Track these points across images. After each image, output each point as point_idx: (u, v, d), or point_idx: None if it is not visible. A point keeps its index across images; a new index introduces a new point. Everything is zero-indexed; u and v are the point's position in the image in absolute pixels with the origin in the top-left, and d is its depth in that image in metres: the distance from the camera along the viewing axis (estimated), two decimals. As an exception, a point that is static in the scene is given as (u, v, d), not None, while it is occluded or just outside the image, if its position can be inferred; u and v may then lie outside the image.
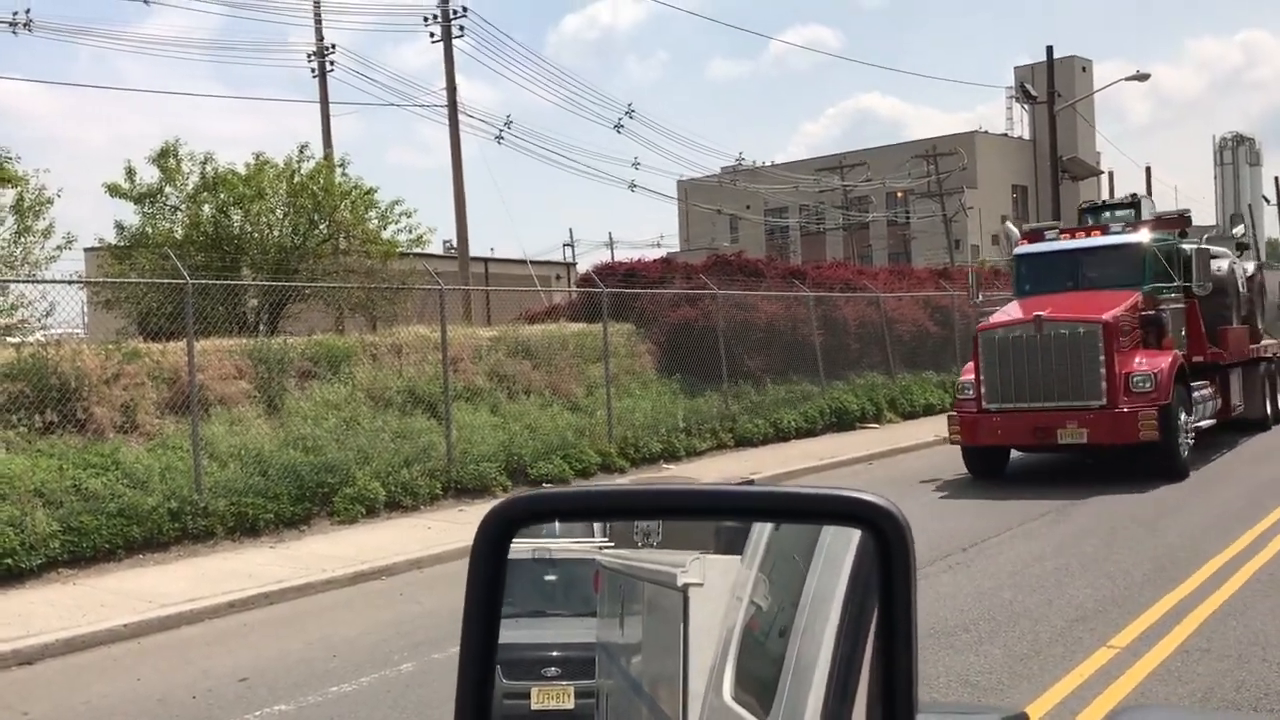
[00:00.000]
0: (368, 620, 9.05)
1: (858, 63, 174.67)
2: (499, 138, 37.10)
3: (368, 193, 22.13)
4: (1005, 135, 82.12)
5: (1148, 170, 75.45)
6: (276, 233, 20.87)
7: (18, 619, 8.94)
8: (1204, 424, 15.67)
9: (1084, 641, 7.04)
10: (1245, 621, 7.30)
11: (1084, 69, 75.57)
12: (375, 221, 22.26)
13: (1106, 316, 14.22)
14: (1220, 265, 17.51)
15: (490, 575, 1.41)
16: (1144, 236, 15.87)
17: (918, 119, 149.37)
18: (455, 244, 33.41)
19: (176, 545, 11.49)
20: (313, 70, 33.34)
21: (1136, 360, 14.33)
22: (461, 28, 31.01)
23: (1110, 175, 74.13)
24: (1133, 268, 15.49)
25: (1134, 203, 17.98)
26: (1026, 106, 63.77)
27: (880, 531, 1.31)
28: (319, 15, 33.73)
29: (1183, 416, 14.50)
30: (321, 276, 20.13)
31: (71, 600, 9.63)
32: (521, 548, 1.48)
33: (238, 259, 20.03)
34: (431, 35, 30.70)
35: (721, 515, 1.53)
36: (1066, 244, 16.31)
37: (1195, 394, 15.37)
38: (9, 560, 10.07)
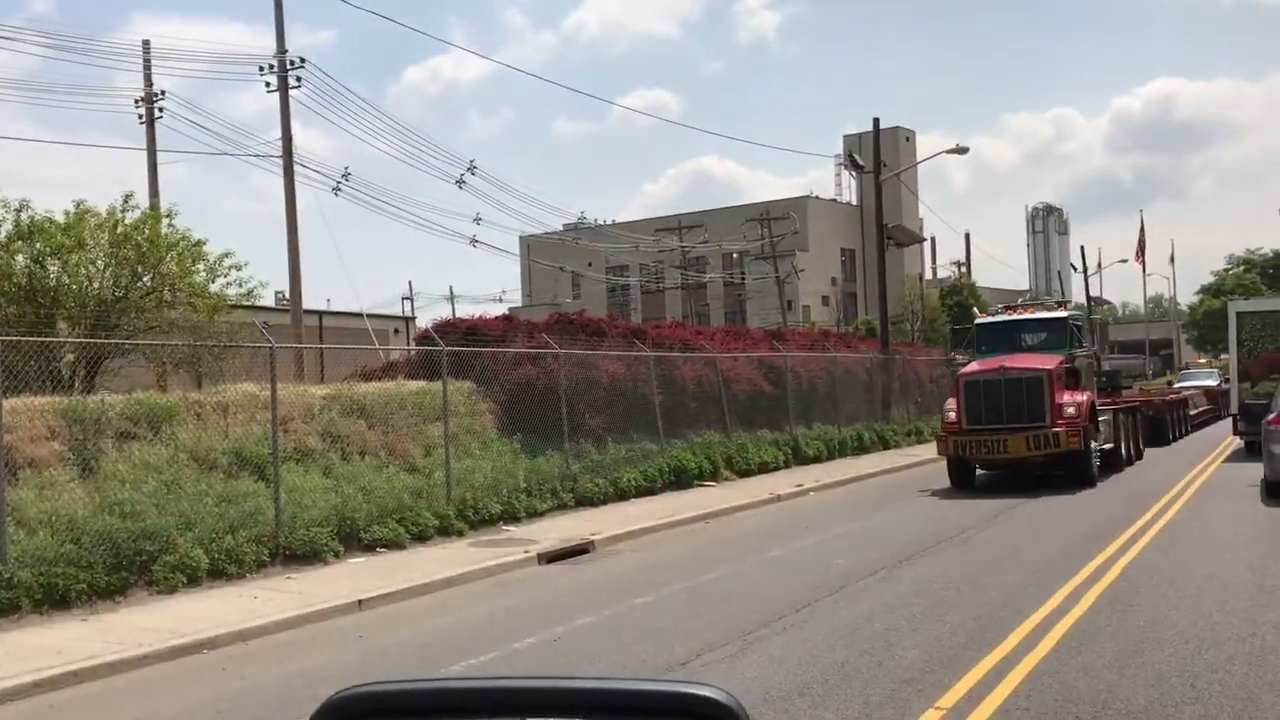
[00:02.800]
0: (187, 698, 8.59)
1: (696, 129, 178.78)
2: (336, 189, 36.20)
3: (196, 244, 21.36)
4: (835, 200, 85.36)
5: (967, 237, 79.25)
6: (97, 285, 19.91)
7: None
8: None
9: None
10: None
11: (908, 139, 79.37)
12: (203, 274, 21.50)
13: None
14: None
15: None
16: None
17: (754, 182, 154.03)
18: (289, 296, 32.55)
19: (-24, 620, 10.70)
20: (140, 116, 32.23)
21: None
22: (299, 78, 30.47)
23: (933, 241, 77.73)
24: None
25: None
26: (854, 174, 66.36)
27: None
28: (148, 60, 32.70)
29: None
30: (144, 331, 19.29)
31: None
32: None
33: (53, 312, 19.02)
34: (267, 85, 30.08)
35: (559, 713, 1.49)
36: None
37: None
38: None
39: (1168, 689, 7.26)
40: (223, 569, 13.01)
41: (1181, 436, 33.11)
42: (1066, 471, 20.71)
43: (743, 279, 70.67)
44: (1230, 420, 28.60)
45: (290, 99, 30.00)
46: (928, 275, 78.32)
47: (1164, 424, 31.00)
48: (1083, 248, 75.44)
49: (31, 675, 9.03)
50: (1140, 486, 20.49)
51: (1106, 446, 22.43)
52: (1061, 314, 23.39)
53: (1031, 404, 20.53)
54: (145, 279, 20.45)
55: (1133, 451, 25.38)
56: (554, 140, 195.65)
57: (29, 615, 11.06)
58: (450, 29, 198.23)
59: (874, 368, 34.88)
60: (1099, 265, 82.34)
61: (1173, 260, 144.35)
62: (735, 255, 71.42)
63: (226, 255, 21.84)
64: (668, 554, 15.10)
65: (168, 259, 20.60)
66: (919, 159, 57.71)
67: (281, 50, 29.96)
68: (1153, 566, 12.04)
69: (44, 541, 11.75)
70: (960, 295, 67.18)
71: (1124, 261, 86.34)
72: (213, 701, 8.38)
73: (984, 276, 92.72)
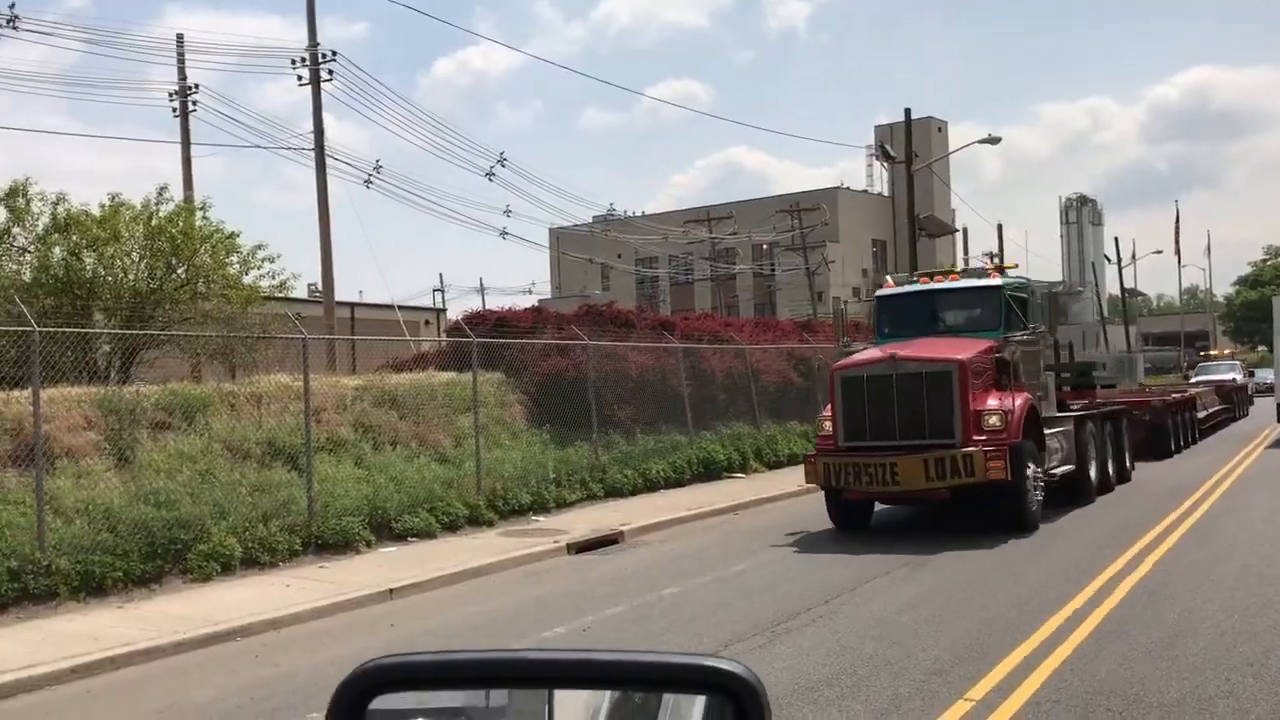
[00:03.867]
0: (222, 684, 8.70)
1: (726, 120, 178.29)
2: (368, 182, 36.31)
3: (229, 236, 21.54)
4: (866, 191, 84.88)
5: (999, 228, 78.70)
6: (131, 277, 20.11)
7: None
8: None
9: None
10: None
11: (940, 130, 78.84)
12: (237, 266, 21.67)
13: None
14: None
15: None
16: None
17: (784, 173, 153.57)
18: (321, 288, 32.76)
19: (15, 607, 10.87)
20: (174, 110, 32.49)
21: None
22: (330, 71, 30.61)
23: (965, 232, 77.22)
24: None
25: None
26: (886, 165, 66.09)
27: (736, 698, 1.32)
28: (182, 54, 32.94)
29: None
30: (178, 323, 19.48)
31: (-104, 669, 9.00)
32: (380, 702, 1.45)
33: (89, 304, 19.23)
34: (300, 78, 30.24)
35: (582, 684, 1.53)
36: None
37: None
38: None
39: (1201, 681, 7.20)
40: (256, 558, 13.15)
41: (1188, 445, 27.54)
42: (996, 510, 14.40)
43: (772, 270, 70.47)
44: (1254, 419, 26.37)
45: (322, 92, 30.19)
46: (959, 267, 77.82)
47: (1164, 431, 25.11)
48: (1116, 239, 74.84)
49: (69, 661, 9.18)
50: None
51: (1063, 470, 16.11)
52: (994, 281, 16.21)
53: (934, 411, 14.33)
54: (180, 271, 20.64)
55: (1114, 471, 19.05)
56: (583, 132, 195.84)
57: (67, 602, 11.22)
58: (480, 21, 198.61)
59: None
60: (1133, 256, 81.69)
61: (1209, 251, 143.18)
62: (765, 246, 71.21)
63: (260, 247, 22.01)
64: (696, 545, 15.12)
65: (202, 251, 20.77)
66: (951, 149, 57.30)
67: (313, 43, 30.11)
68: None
69: (81, 530, 11.92)
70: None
71: (1159, 252, 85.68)
72: (247, 688, 8.48)
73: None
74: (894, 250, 76.00)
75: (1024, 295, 16.57)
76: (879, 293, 17.45)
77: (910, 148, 37.53)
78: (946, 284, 16.73)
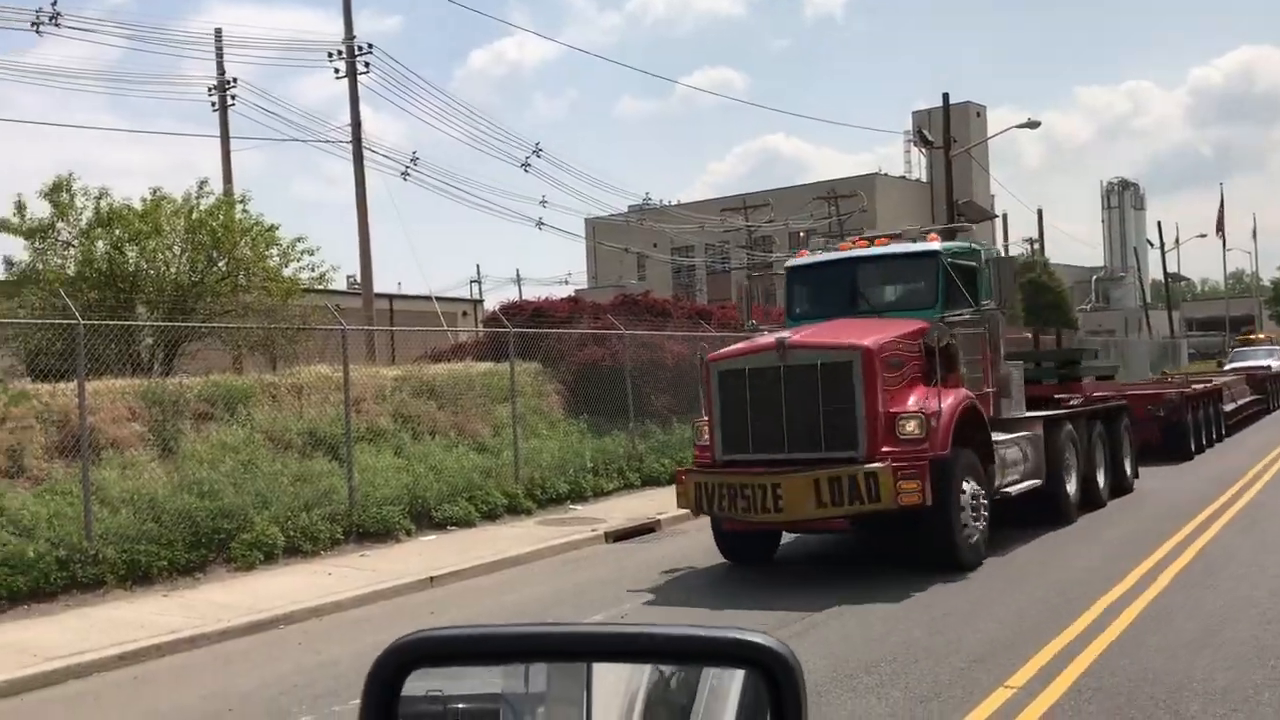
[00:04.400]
0: (265, 672, 8.82)
1: (762, 107, 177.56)
2: (405, 174, 36.56)
3: (269, 230, 21.75)
4: (904, 177, 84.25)
5: (1039, 213, 77.82)
6: (173, 270, 20.36)
7: (-110, 677, 8.50)
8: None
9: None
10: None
11: (978, 114, 78.04)
12: (276, 259, 21.89)
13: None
14: None
15: (381, 707, 1.38)
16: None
17: (820, 160, 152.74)
18: (360, 280, 33.01)
19: (64, 595, 11.06)
20: (213, 104, 32.79)
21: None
22: (367, 64, 30.77)
23: (1004, 218, 76.49)
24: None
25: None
26: (924, 151, 65.61)
27: (770, 673, 1.33)
28: (220, 49, 33.22)
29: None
30: (220, 315, 19.69)
31: (-51, 655, 9.19)
32: (417, 686, 1.45)
33: (132, 297, 19.49)
34: (336, 71, 30.43)
35: (618, 658, 1.54)
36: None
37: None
38: (-118, 614, 9.59)
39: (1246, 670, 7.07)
40: (298, 546, 13.30)
41: (1212, 443, 23.83)
42: (919, 543, 11.17)
43: (810, 258, 70.05)
44: None
45: (359, 85, 30.36)
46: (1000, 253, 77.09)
47: (1182, 428, 21.58)
48: (1159, 223, 73.90)
49: (117, 648, 9.34)
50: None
51: (1025, 485, 12.82)
52: (930, 246, 12.87)
53: (832, 415, 11.07)
54: (220, 264, 20.87)
55: (1106, 483, 15.59)
56: (619, 121, 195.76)
57: (114, 590, 11.40)
58: (514, 11, 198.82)
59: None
60: (1176, 241, 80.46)
61: (1255, 235, 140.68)
62: (802, 234, 70.84)
63: (299, 240, 22.20)
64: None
65: (242, 244, 20.99)
66: (989, 134, 56.79)
67: (350, 36, 30.29)
68: None
69: (126, 520, 12.10)
70: (1034, 273, 66.04)
71: (1203, 236, 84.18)
72: (290, 675, 8.58)
73: (1057, 253, 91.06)
74: (932, 237, 75.28)
75: (973, 265, 12.99)
76: (789, 263, 14.17)
77: (948, 133, 37.22)
78: (869, 250, 13.35)
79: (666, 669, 1.66)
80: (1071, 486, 14.27)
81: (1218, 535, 12.58)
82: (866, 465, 10.66)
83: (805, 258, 13.98)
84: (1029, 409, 13.89)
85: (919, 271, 12.85)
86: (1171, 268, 79.46)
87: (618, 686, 1.67)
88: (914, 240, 13.52)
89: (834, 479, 10.64)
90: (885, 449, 10.83)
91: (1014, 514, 12.72)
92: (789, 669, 1.32)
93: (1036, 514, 13.35)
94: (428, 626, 1.59)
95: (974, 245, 13.75)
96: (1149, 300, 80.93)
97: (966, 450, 11.42)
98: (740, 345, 12.70)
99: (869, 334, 11.53)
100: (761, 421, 11.42)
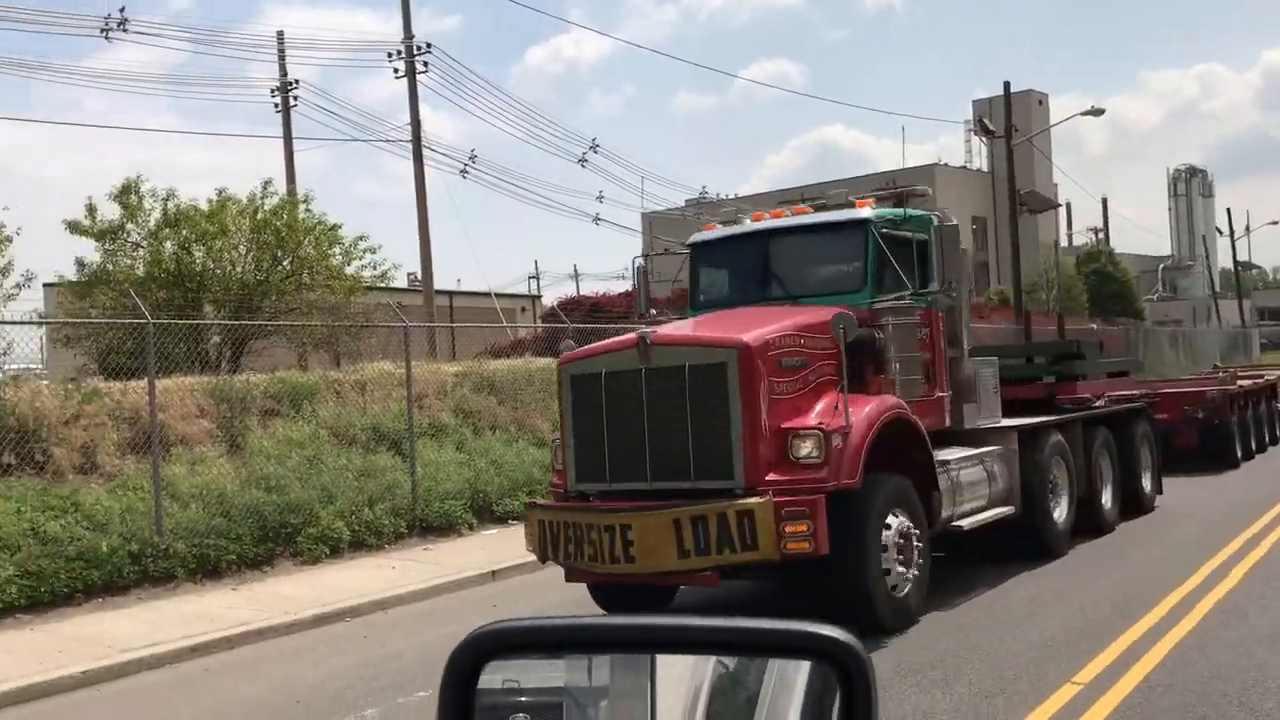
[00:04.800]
0: (331, 664, 8.95)
1: (821, 99, 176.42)
2: (463, 171, 36.89)
3: (331, 228, 22.09)
4: (965, 168, 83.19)
5: (1104, 202, 76.50)
6: (239, 269, 20.76)
7: (-27, 667, 8.77)
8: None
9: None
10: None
11: (1040, 102, 76.80)
12: (339, 257, 22.22)
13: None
14: None
15: (459, 699, 1.41)
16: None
17: (879, 151, 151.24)
18: (420, 277, 33.36)
19: (137, 588, 11.31)
20: (276, 105, 33.30)
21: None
22: (425, 63, 31.09)
23: (1068, 207, 75.27)
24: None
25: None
26: (984, 140, 64.77)
27: (842, 665, 1.33)
28: (282, 51, 33.73)
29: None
30: (284, 313, 20.02)
31: (29, 647, 9.46)
32: (492, 678, 1.48)
33: (200, 296, 19.90)
34: (395, 71, 30.77)
35: (690, 649, 1.55)
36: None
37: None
38: (-36, 606, 9.88)
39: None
40: (363, 540, 13.48)
41: (1266, 447, 20.95)
42: (834, 592, 8.55)
43: (869, 250, 69.44)
44: None
45: (418, 84, 30.66)
46: (1063, 243, 75.90)
47: (1225, 431, 18.57)
48: (1229, 210, 72.23)
49: (187, 640, 9.54)
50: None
51: (986, 516, 10.10)
52: (859, 214, 10.17)
53: (702, 433, 8.54)
54: (285, 263, 21.23)
55: (1113, 501, 13.08)
56: (675, 115, 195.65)
57: (184, 584, 11.64)
58: (571, 8, 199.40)
59: (1007, 338, 34.06)
60: (1247, 228, 78.60)
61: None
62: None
63: (361, 239, 22.53)
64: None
65: (305, 243, 21.33)
66: (1052, 122, 55.85)
67: (409, 36, 30.62)
68: None
69: (196, 514, 12.34)
70: (1098, 263, 64.93)
71: (1274, 223, 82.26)
72: (355, 667, 8.71)
73: (1123, 243, 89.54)
74: (995, 227, 74.40)
75: (922, 238, 10.17)
76: (691, 239, 11.58)
77: (1010, 121, 36.65)
78: (782, 221, 10.73)
79: (729, 663, 1.67)
80: (1060, 512, 11.57)
81: (1243, 583, 9.55)
82: (740, 500, 8.05)
83: (710, 232, 11.24)
84: (1023, 415, 11.82)
85: (844, 246, 10.13)
86: (1241, 255, 77.69)
87: (681, 680, 1.68)
88: (840, 208, 10.58)
89: (698, 518, 8.04)
90: (772, 477, 8.22)
91: (993, 545, 10.50)
92: (860, 661, 1.32)
93: (1016, 543, 10.84)
94: (492, 620, 1.62)
95: (921, 213, 10.51)
96: (1218, 289, 79.19)
97: (894, 476, 8.84)
98: (599, 343, 10.34)
99: (755, 326, 8.93)
100: (620, 441, 8.81)
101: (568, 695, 1.72)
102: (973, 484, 10.10)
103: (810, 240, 10.59)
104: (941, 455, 9.65)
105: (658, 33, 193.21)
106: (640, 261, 11.88)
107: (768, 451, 8.37)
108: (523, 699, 1.65)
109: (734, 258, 10.98)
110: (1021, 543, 10.94)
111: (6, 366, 14.79)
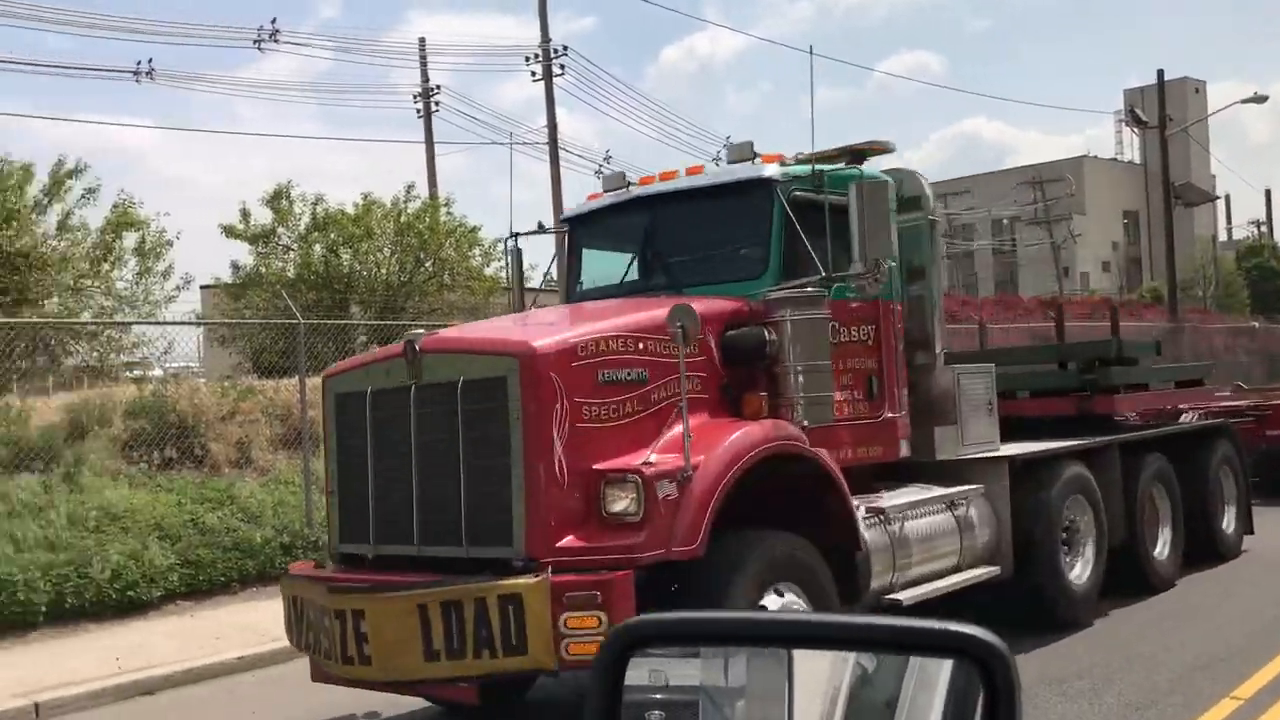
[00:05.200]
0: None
1: (962, 91, 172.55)
2: (599, 172, 37.30)
3: (471, 230, 22.59)
4: (1115, 160, 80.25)
5: (1267, 194, 72.97)
6: (384, 271, 21.40)
7: (140, 650, 9.24)
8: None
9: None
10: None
11: (1197, 90, 73.57)
12: (479, 259, 22.70)
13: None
14: None
15: (608, 691, 1.45)
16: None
17: (1024, 143, 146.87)
18: (555, 277, 33.82)
19: (288, 578, 11.74)
20: (418, 110, 34.22)
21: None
22: (562, 66, 31.51)
23: (1227, 199, 71.95)
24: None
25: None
26: (1136, 131, 62.35)
27: (985, 664, 1.31)
28: (424, 57, 34.65)
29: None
30: (427, 313, 20.56)
31: (188, 632, 9.92)
32: (637, 673, 1.50)
33: (347, 297, 20.58)
34: (533, 74, 31.24)
35: (833, 645, 1.58)
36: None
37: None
38: (130, 593, 10.41)
39: None
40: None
41: None
42: None
43: (1013, 246, 67.72)
44: None
45: (554, 86, 31.08)
46: (1221, 237, 72.54)
47: None
48: None
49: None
50: None
51: (948, 584, 7.43)
52: (762, 171, 7.45)
53: (476, 474, 6.00)
54: (427, 264, 21.80)
55: (1170, 550, 10.11)
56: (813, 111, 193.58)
57: (332, 575, 12.02)
58: (706, 6, 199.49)
59: (1161, 337, 32.70)
60: None
61: None
62: (1005, 221, 68.51)
63: (500, 240, 22.96)
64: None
65: (446, 245, 21.86)
66: (1210, 111, 53.43)
67: (545, 39, 31.04)
68: None
69: (344, 508, 12.72)
70: (1260, 257, 61.83)
71: None
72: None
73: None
74: (1147, 221, 71.60)
75: (841, 200, 7.21)
76: (566, 213, 9.81)
77: (1163, 111, 35.21)
78: (667, 184, 8.00)
79: (868, 664, 1.64)
80: (1080, 569, 8.82)
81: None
82: (506, 580, 5.57)
83: (589, 203, 8.70)
84: (1049, 438, 9.17)
85: (742, 216, 7.54)
86: None
87: (819, 679, 1.66)
88: (735, 168, 7.77)
89: (450, 604, 5.65)
90: (569, 543, 5.77)
91: (1000, 608, 7.51)
92: (1004, 660, 1.30)
93: (1021, 615, 7.95)
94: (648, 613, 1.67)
95: (841, 168, 7.69)
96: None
97: (779, 535, 6.26)
98: (369, 352, 8.66)
99: (568, 325, 6.79)
100: (385, 485, 6.45)
101: (704, 694, 1.72)
102: (929, 538, 7.42)
103: (701, 209, 7.81)
104: (881, 500, 7.19)
105: (793, 29, 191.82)
106: (512, 243, 8.99)
107: (569, 504, 5.82)
108: (659, 696, 1.66)
109: (617, 234, 8.42)
110: (1018, 611, 7.94)
111: (167, 365, 15.57)
